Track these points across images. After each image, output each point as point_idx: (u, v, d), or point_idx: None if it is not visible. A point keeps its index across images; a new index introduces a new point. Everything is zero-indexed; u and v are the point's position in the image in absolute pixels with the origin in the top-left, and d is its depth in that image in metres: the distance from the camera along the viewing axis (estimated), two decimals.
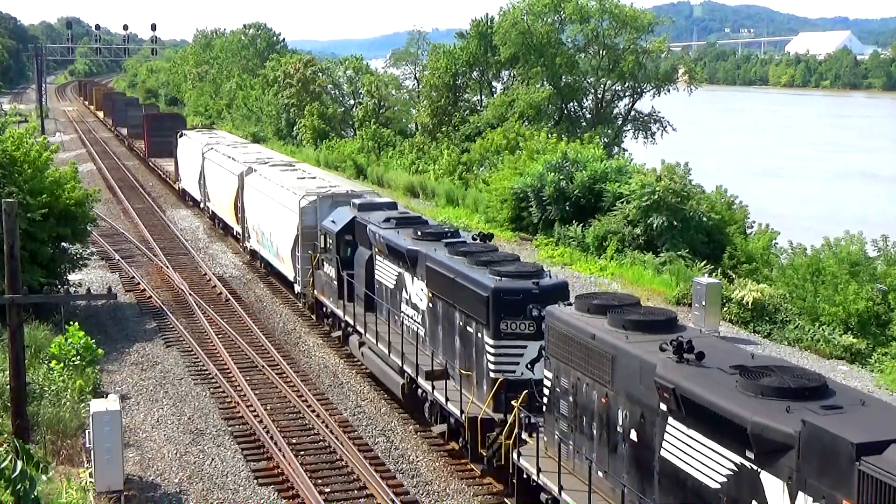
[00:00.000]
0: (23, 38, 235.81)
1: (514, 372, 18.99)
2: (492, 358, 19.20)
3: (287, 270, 33.67)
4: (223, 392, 25.18)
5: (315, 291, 30.26)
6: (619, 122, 63.78)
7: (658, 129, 62.95)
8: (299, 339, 30.03)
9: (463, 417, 19.48)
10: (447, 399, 20.30)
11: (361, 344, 25.75)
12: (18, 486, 8.95)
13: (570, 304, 16.82)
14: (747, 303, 31.08)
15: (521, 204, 44.42)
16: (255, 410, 23.57)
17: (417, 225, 25.20)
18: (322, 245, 29.08)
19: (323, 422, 22.85)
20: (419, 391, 22.07)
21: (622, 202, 39.47)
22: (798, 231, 40.67)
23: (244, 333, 30.00)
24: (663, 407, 13.53)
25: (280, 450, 21.20)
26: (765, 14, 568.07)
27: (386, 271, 24.86)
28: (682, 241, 36.94)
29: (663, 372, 13.44)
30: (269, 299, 34.74)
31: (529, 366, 18.83)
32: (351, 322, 26.62)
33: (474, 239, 23.62)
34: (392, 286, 24.47)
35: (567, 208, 42.26)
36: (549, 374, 16.86)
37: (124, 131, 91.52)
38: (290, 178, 35.86)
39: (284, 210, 33.08)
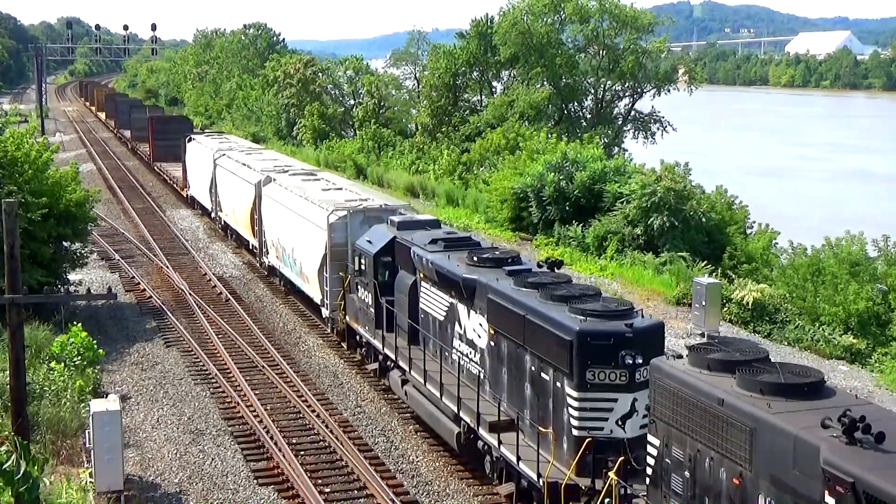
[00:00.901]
0: (23, 38, 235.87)
1: (601, 429, 16.32)
2: (575, 413, 16.53)
3: (313, 292, 30.52)
4: (223, 392, 25.17)
5: (347, 317, 27.39)
6: (619, 123, 63.80)
7: (658, 129, 62.99)
8: (299, 339, 30.02)
9: (541, 482, 16.68)
10: (519, 458, 17.59)
11: (405, 381, 22.92)
12: (22, 489, 8.95)
13: (681, 357, 14.38)
14: (747, 303, 31.09)
15: (521, 204, 44.43)
16: (255, 410, 23.57)
17: (470, 248, 22.26)
18: (356, 267, 26.02)
19: (323, 422, 22.84)
20: (479, 443, 19.33)
21: (622, 202, 39.47)
22: (801, 232, 40.63)
23: (244, 333, 29.99)
24: (831, 502, 11.10)
25: (280, 450, 21.20)
26: (765, 14, 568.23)
27: (434, 300, 22.01)
28: (682, 241, 36.95)
29: (834, 458, 11.00)
30: (269, 299, 34.73)
31: (620, 422, 16.25)
32: (391, 356, 23.71)
33: (540, 266, 20.57)
34: (442, 318, 21.65)
35: (567, 208, 42.27)
36: (656, 441, 14.30)
37: (128, 134, 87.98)
38: (315, 190, 32.84)
39: (310, 225, 30.16)
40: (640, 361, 15.76)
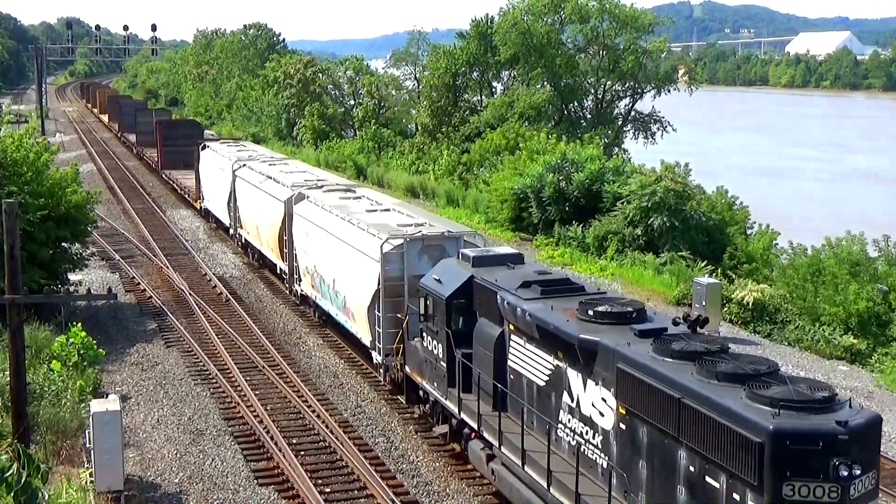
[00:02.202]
0: (23, 38, 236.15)
1: None
2: None
3: (360, 331, 26.17)
4: (223, 392, 25.17)
5: (406, 367, 22.97)
6: (619, 123, 63.81)
7: (658, 129, 63.00)
8: (299, 340, 30.02)
9: None
10: None
11: (491, 457, 18.92)
12: (22, 498, 8.94)
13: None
14: (748, 303, 31.09)
15: (521, 204, 44.45)
16: (255, 411, 23.57)
17: (574, 293, 18.14)
18: (422, 310, 21.47)
19: (323, 422, 22.84)
20: None
21: (622, 202, 39.48)
22: (802, 232, 40.64)
23: (244, 333, 29.98)
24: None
25: (280, 450, 21.19)
26: (765, 14, 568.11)
27: (531, 361, 17.87)
28: (682, 241, 36.95)
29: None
30: (270, 299, 34.72)
31: None
32: (472, 423, 19.54)
33: (676, 323, 16.08)
34: (542, 383, 17.50)
35: (567, 209, 42.28)
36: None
37: (132, 138, 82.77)
38: (359, 211, 28.55)
39: (356, 254, 25.92)
40: (858, 472, 12.14)
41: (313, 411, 23.54)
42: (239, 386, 25.38)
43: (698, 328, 15.59)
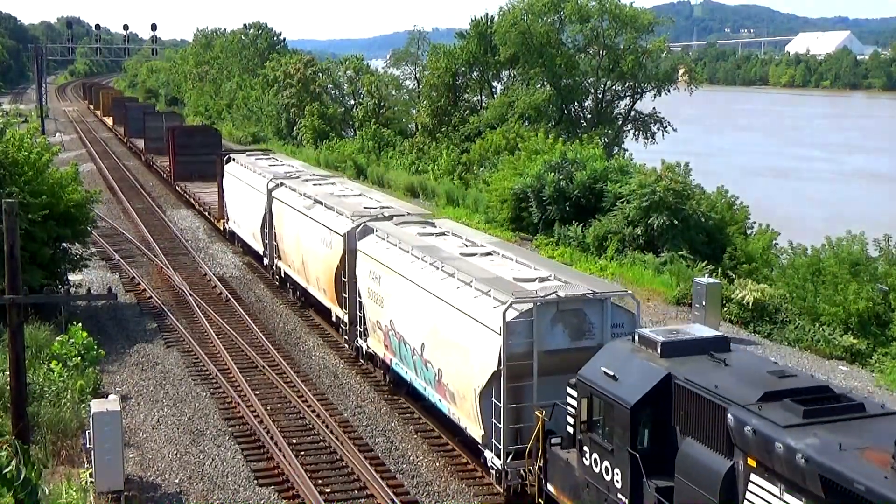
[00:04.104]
0: (23, 38, 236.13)
1: None
2: None
3: (465, 420, 19.96)
4: (223, 392, 25.17)
5: (550, 485, 17.05)
6: (619, 123, 63.82)
7: (658, 129, 63.01)
8: (299, 340, 30.02)
9: None
10: None
11: None
12: (21, 494, 8.95)
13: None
14: (747, 303, 31.09)
15: (521, 204, 44.46)
16: (255, 411, 23.57)
17: (853, 415, 12.68)
18: (583, 414, 15.72)
19: (323, 422, 22.85)
20: None
21: (622, 202, 39.49)
22: (803, 233, 40.60)
23: (244, 334, 29.99)
24: None
25: (280, 450, 21.20)
26: (765, 14, 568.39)
27: None
28: (682, 241, 36.96)
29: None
30: (270, 299, 34.72)
31: None
32: None
33: None
34: None
35: (567, 208, 42.28)
36: None
37: (140, 144, 76.15)
38: (451, 254, 22.40)
39: (463, 320, 19.76)
40: None
41: (313, 411, 23.54)
42: (239, 386, 25.38)
43: None
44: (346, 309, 27.29)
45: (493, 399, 18.49)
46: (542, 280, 19.75)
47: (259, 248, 37.56)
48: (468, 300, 19.69)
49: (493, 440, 18.77)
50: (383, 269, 23.93)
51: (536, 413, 17.21)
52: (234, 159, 43.46)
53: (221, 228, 45.09)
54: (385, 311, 23.85)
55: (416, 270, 22.29)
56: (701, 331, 16.17)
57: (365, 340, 25.97)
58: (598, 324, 18.52)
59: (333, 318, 29.25)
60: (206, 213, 48.92)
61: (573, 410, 16.18)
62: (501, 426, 18.31)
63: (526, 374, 18.20)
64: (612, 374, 15.22)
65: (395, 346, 23.54)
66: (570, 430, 16.35)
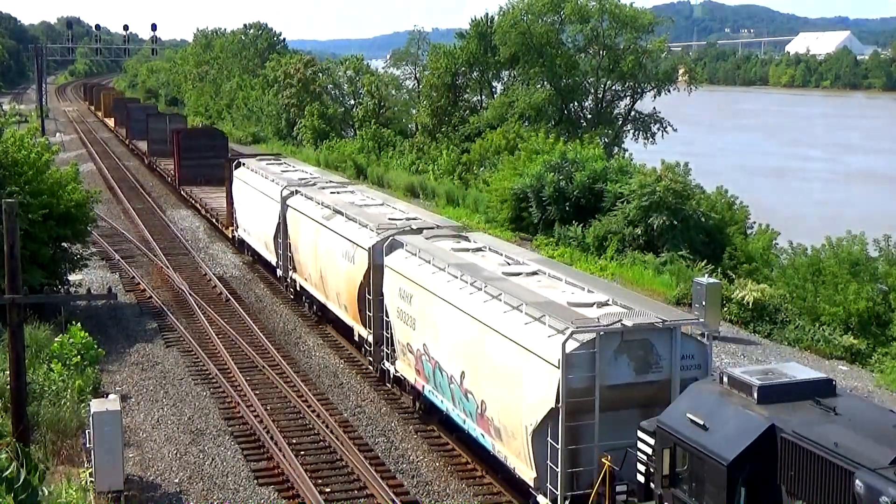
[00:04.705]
0: (23, 38, 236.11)
1: None
2: None
3: (513, 459, 18.08)
4: (223, 392, 25.17)
5: None
6: (620, 123, 63.80)
7: (658, 129, 63.00)
8: (299, 340, 30.02)
9: None
10: None
11: None
12: (22, 496, 8.96)
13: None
14: (747, 303, 31.09)
15: (521, 204, 44.46)
16: (255, 410, 23.57)
17: None
18: (666, 468, 13.94)
19: (323, 422, 22.85)
20: None
21: (622, 202, 39.50)
22: (804, 233, 40.58)
23: (244, 333, 29.99)
24: None
25: (280, 450, 21.20)
26: (765, 14, 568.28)
27: None
28: (682, 241, 36.97)
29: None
30: (269, 299, 34.72)
31: None
32: None
33: None
34: None
35: (567, 208, 42.29)
36: None
37: (143, 146, 73.62)
38: (493, 273, 20.57)
39: (512, 349, 17.79)
40: None
41: (313, 411, 23.54)
42: (239, 386, 25.39)
43: None
44: (370, 328, 25.38)
45: (548, 439, 16.52)
46: (600, 305, 17.91)
47: (272, 258, 35.74)
48: (518, 327, 17.72)
49: (547, 484, 16.70)
50: (415, 287, 22.02)
51: (602, 459, 15.66)
52: (243, 164, 41.68)
53: (230, 236, 43.24)
54: (417, 334, 21.92)
55: (454, 291, 20.37)
56: (800, 371, 14.16)
57: (392, 363, 23.93)
58: (665, 356, 16.68)
59: (356, 338, 27.10)
60: (214, 220, 46.93)
61: (646, 458, 14.47)
62: (559, 470, 16.29)
63: (586, 412, 16.35)
64: (700, 422, 13.23)
65: (428, 372, 21.60)
66: (642, 479, 14.63)
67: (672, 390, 16.30)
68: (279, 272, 34.88)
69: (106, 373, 26.30)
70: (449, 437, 21.77)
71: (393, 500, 18.74)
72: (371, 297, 25.01)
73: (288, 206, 32.85)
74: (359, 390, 25.52)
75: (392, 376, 24.39)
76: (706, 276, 32.40)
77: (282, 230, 33.66)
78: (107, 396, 20.57)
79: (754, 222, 39.89)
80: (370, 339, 25.49)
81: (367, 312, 25.41)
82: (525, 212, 44.36)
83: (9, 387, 17.47)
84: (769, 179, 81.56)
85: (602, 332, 16.32)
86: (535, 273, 20.59)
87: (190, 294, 34.40)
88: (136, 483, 19.75)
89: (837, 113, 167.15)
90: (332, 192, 32.23)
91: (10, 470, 9.07)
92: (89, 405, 19.54)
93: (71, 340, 25.12)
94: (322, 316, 30.96)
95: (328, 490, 19.49)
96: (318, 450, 21.56)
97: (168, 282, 36.91)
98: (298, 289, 32.62)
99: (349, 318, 27.19)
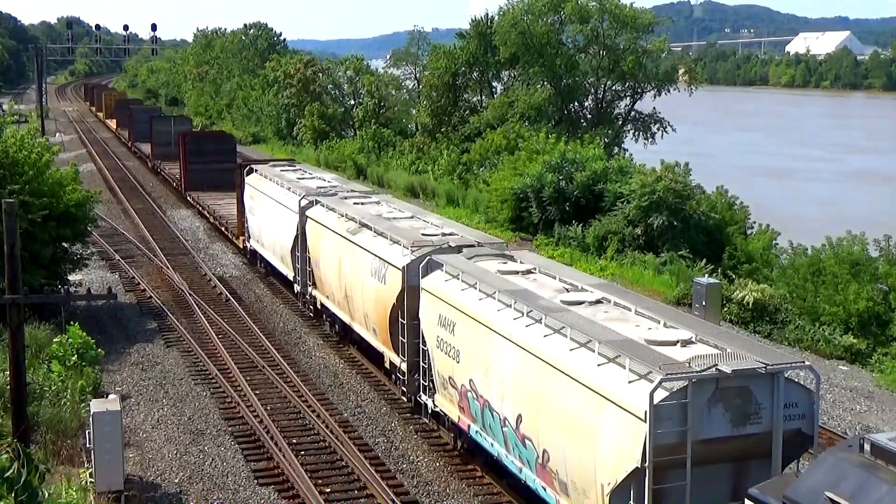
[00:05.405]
0: (23, 38, 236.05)
1: None
2: None
3: None
4: (223, 392, 25.18)
5: None
6: (620, 123, 63.80)
7: (658, 129, 63.00)
8: (299, 340, 30.02)
9: None
10: None
11: None
12: (23, 496, 8.97)
13: None
14: (748, 303, 31.09)
15: (521, 204, 44.47)
16: (255, 410, 23.57)
17: None
18: None
19: (323, 422, 22.85)
20: None
21: (622, 202, 39.51)
22: (805, 233, 40.57)
23: (244, 333, 29.99)
24: None
25: (280, 450, 21.20)
26: (765, 14, 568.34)
27: None
28: (682, 241, 36.97)
29: None
30: (269, 299, 34.72)
31: None
32: None
33: None
34: None
35: (567, 208, 42.30)
36: None
37: (146, 149, 71.74)
38: (551, 302, 18.16)
39: (579, 390, 15.66)
40: None
41: (313, 411, 23.54)
42: (239, 386, 25.39)
43: None
44: (403, 356, 23.03)
45: (630, 502, 14.57)
46: (684, 343, 15.53)
47: (288, 273, 33.31)
48: (590, 368, 15.51)
49: None
50: (458, 314, 19.73)
51: None
52: (256, 170, 39.13)
53: (241, 246, 40.85)
54: (462, 368, 19.63)
55: (506, 321, 18.03)
56: None
57: (431, 397, 21.65)
58: (766, 404, 14.65)
59: (387, 364, 24.63)
60: (224, 229, 44.50)
61: None
62: None
63: (676, 469, 14.31)
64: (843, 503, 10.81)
65: (475, 411, 19.39)
66: None
67: (773, 443, 14.59)
68: (296, 287, 32.61)
69: (106, 373, 26.30)
70: (498, 482, 19.64)
71: (393, 500, 18.74)
72: (405, 322, 22.63)
73: (307, 217, 30.49)
74: (359, 390, 25.52)
75: (430, 411, 22.09)
76: (706, 276, 32.40)
77: (300, 243, 31.29)
78: (107, 396, 20.56)
79: (754, 222, 39.89)
80: (403, 367, 23.18)
81: (400, 338, 22.98)
82: (525, 212, 44.36)
83: (9, 387, 17.48)
84: (769, 179, 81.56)
85: (695, 380, 14.20)
86: (599, 301, 18.20)
87: (190, 294, 34.40)
88: (136, 483, 19.74)
89: (837, 113, 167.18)
90: (355, 203, 29.75)
91: (11, 470, 9.08)
92: (89, 405, 19.54)
93: (69, 340, 25.12)
94: (344, 336, 28.98)
95: (328, 490, 19.49)
96: (318, 450, 21.55)
97: (168, 282, 36.91)
98: (319, 306, 30.48)
99: (378, 342, 24.87)
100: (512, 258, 22.02)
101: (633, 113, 64.11)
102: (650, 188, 37.76)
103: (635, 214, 38.27)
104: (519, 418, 17.39)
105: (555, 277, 19.98)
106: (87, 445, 19.14)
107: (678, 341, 15.57)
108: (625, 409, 14.45)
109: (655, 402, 13.93)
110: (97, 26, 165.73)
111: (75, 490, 17.87)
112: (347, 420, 23.27)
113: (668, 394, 14.07)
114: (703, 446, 14.31)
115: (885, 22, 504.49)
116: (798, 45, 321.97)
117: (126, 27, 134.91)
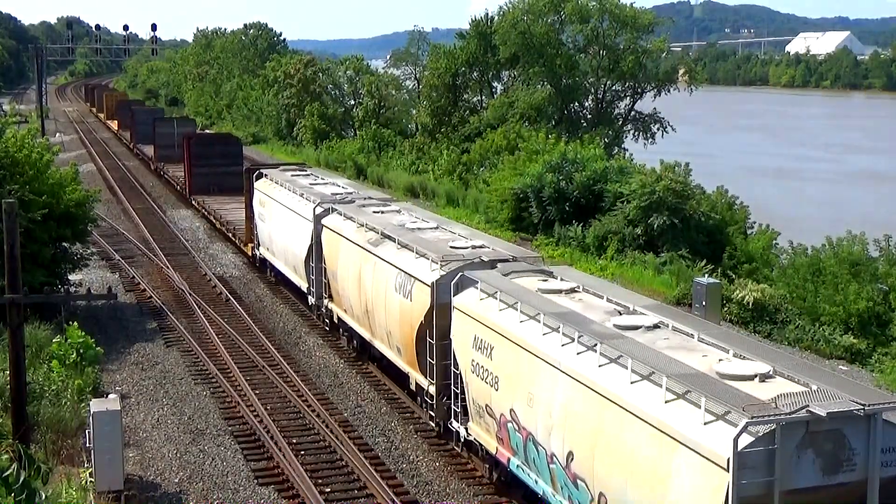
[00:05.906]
0: (23, 38, 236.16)
1: None
2: None
3: None
4: (223, 392, 25.18)
5: None
6: (620, 123, 63.84)
7: (658, 129, 63.03)
8: (299, 339, 30.02)
9: None
10: None
11: None
12: (21, 497, 8.96)
13: None
14: (748, 303, 31.09)
15: (521, 204, 44.47)
16: (255, 410, 23.57)
17: None
18: None
19: (323, 422, 22.85)
20: None
21: (622, 202, 39.52)
22: (805, 233, 40.58)
23: (244, 333, 29.99)
24: None
25: (280, 450, 21.21)
26: (765, 14, 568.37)
27: None
28: (682, 241, 36.98)
29: None
30: (270, 299, 34.73)
31: None
32: None
33: None
34: None
35: (567, 208, 42.30)
36: None
37: (149, 151, 70.15)
38: (602, 324, 16.60)
39: (645, 430, 14.04)
40: None
41: (313, 411, 23.55)
42: (239, 386, 25.39)
43: None
44: (432, 378, 21.34)
45: None
46: (763, 378, 13.80)
47: (301, 284, 31.54)
48: (656, 405, 13.81)
49: None
50: (497, 337, 18.04)
51: None
52: (265, 175, 37.50)
53: (249, 254, 39.30)
54: (502, 396, 17.91)
55: (553, 347, 16.39)
56: None
57: (464, 425, 20.01)
58: (861, 450, 13.00)
59: (412, 386, 22.92)
60: (231, 235, 42.92)
61: None
62: None
63: None
64: None
65: (516, 444, 17.63)
66: None
67: (869, 493, 13.05)
68: (311, 299, 30.75)
69: (106, 372, 26.31)
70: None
71: (393, 500, 18.74)
72: (434, 342, 20.98)
73: (323, 225, 28.92)
74: (359, 390, 25.52)
75: (464, 439, 20.34)
76: (706, 276, 32.40)
77: (315, 253, 29.60)
78: (107, 396, 20.57)
79: (754, 222, 39.90)
80: (431, 390, 21.45)
81: (429, 359, 21.31)
82: (525, 212, 44.36)
83: (9, 386, 17.48)
84: (769, 179, 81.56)
85: (783, 423, 12.51)
86: (657, 326, 16.48)
87: (190, 294, 34.40)
88: (136, 483, 19.74)
89: (837, 113, 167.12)
90: (374, 212, 28.06)
91: (10, 471, 9.08)
92: (89, 405, 19.54)
93: (69, 340, 25.13)
94: (363, 351, 27.44)
95: (328, 490, 19.49)
96: (318, 450, 21.56)
97: (168, 282, 36.92)
98: (336, 320, 28.76)
99: (403, 362, 23.24)
100: (551, 274, 20.44)
101: (633, 113, 64.16)
102: (650, 188, 37.77)
103: (635, 214, 38.27)
104: (570, 455, 15.65)
105: (602, 297, 18.35)
106: (87, 445, 19.14)
107: (756, 375, 13.89)
108: (702, 455, 12.86)
109: (740, 448, 12.31)
110: (97, 26, 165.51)
111: (75, 490, 17.88)
112: (347, 420, 23.27)
113: (753, 439, 12.46)
114: (790, 498, 12.75)
115: (885, 22, 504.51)
116: (798, 45, 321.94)
117: (126, 27, 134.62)
